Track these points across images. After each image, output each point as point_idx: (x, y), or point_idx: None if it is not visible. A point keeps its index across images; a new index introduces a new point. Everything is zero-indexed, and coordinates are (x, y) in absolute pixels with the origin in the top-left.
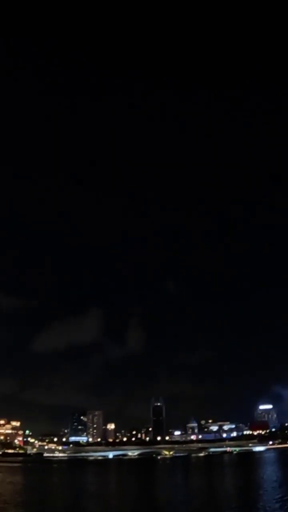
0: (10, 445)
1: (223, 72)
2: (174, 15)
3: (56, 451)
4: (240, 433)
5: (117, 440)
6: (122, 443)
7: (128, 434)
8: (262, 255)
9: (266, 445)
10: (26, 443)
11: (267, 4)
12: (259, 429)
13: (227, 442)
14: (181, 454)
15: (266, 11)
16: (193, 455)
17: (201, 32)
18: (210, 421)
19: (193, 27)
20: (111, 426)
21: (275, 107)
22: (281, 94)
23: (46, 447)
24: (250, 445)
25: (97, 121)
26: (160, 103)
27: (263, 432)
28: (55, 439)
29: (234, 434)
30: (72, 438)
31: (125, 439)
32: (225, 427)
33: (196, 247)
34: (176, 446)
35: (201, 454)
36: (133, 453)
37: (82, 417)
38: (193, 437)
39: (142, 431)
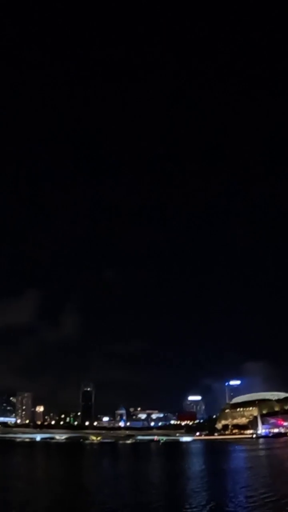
0: None
1: None
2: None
3: None
4: (168, 423)
5: (46, 423)
6: (50, 426)
7: (57, 418)
8: (201, 245)
9: (193, 436)
10: None
11: None
12: (187, 420)
13: (154, 431)
14: (109, 440)
15: None
16: (121, 442)
17: None
18: (138, 409)
19: None
20: (40, 408)
21: None
22: None
23: None
24: (177, 435)
25: None
26: None
27: (190, 423)
28: None
29: (162, 423)
30: (0, 419)
31: (53, 422)
32: (154, 416)
33: (139, 237)
34: (104, 432)
35: (128, 441)
36: (60, 436)
37: (11, 398)
38: (121, 424)
39: (71, 415)
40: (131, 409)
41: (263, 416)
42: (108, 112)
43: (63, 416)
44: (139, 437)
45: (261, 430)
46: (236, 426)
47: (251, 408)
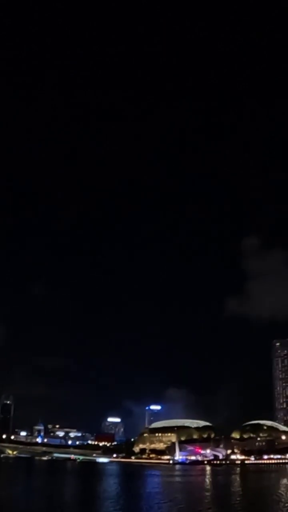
0: None
1: None
2: None
3: None
4: (86, 442)
5: None
6: None
7: None
8: (131, 263)
9: (110, 457)
10: None
11: None
12: (105, 441)
13: (71, 449)
14: (25, 456)
15: None
16: (37, 458)
17: None
18: (57, 426)
19: None
20: None
21: None
22: None
23: None
24: (94, 455)
25: None
26: None
27: (108, 444)
28: None
29: (80, 442)
30: None
31: None
32: (72, 434)
33: (67, 251)
34: (20, 446)
35: (45, 458)
36: None
37: None
38: (38, 439)
39: None
40: (50, 426)
41: (181, 442)
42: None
43: None
44: (56, 455)
45: (178, 456)
46: (153, 451)
47: (169, 434)
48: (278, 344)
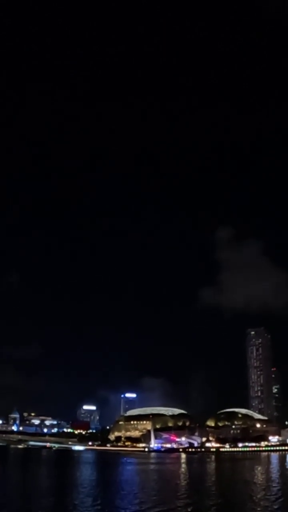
0: None
1: None
2: None
3: None
4: (61, 430)
5: None
6: None
7: None
8: (104, 254)
9: (86, 445)
10: None
11: None
12: (80, 429)
13: (47, 437)
14: (0, 444)
15: None
16: (12, 446)
17: None
18: (32, 414)
19: None
20: None
21: None
22: None
23: None
24: (70, 443)
25: None
26: None
27: (84, 432)
28: None
29: (55, 430)
30: None
31: None
32: (47, 422)
33: (40, 241)
34: None
35: (20, 446)
36: None
37: None
38: (14, 428)
39: None
40: (25, 414)
41: (156, 430)
42: None
43: None
44: (32, 443)
45: (154, 444)
46: (129, 439)
47: (145, 422)
48: (252, 333)
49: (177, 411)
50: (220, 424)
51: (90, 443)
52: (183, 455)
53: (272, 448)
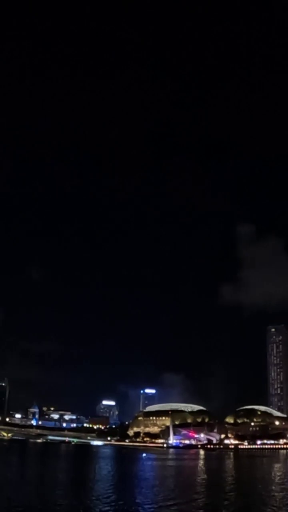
0: None
1: None
2: None
3: None
4: (80, 425)
5: None
6: None
7: None
8: (128, 250)
9: (104, 440)
10: None
11: None
12: (99, 424)
13: (66, 432)
14: (20, 438)
15: None
16: (31, 440)
17: None
18: (52, 408)
19: None
20: None
21: None
22: None
23: None
24: (89, 438)
25: None
26: None
27: (102, 427)
28: None
29: (74, 425)
30: None
31: None
32: (66, 417)
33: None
34: (15, 429)
35: (39, 441)
36: None
37: None
38: (33, 422)
39: None
40: (44, 408)
41: (175, 426)
42: None
43: None
44: (50, 437)
45: (172, 440)
46: (147, 434)
47: (164, 418)
48: (273, 330)
49: (196, 407)
50: (239, 421)
51: (108, 438)
52: (202, 452)
53: None
